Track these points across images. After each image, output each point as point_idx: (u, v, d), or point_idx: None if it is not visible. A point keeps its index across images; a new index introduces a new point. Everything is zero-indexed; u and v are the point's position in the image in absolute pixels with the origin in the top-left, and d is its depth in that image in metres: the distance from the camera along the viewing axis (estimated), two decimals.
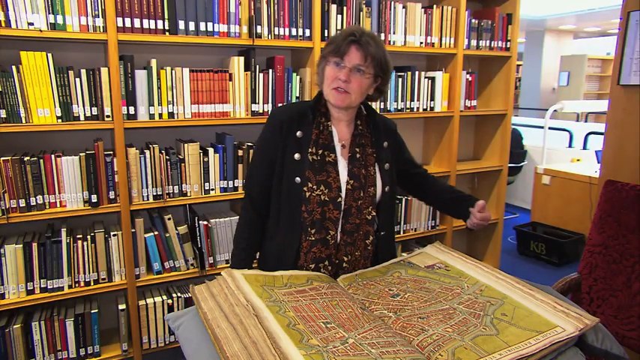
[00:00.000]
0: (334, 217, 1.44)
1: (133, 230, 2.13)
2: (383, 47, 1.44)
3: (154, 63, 2.08)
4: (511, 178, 5.05)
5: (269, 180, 1.49)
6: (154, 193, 2.15)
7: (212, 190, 2.27)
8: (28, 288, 1.99)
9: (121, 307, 2.18)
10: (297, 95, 2.39)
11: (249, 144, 2.34)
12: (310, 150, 1.44)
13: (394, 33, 2.64)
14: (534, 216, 4.38)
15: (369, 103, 1.57)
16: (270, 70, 2.31)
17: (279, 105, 1.58)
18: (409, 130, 3.14)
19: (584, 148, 5.20)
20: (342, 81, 1.40)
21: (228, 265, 2.33)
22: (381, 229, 1.53)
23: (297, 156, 1.44)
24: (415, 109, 2.81)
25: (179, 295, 2.29)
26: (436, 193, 1.74)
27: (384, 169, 1.53)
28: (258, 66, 2.28)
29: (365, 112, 1.56)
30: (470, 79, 2.98)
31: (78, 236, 2.04)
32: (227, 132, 2.40)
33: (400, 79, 2.72)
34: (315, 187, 1.42)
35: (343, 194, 1.44)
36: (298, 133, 1.46)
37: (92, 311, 2.11)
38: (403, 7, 2.64)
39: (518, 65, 10.01)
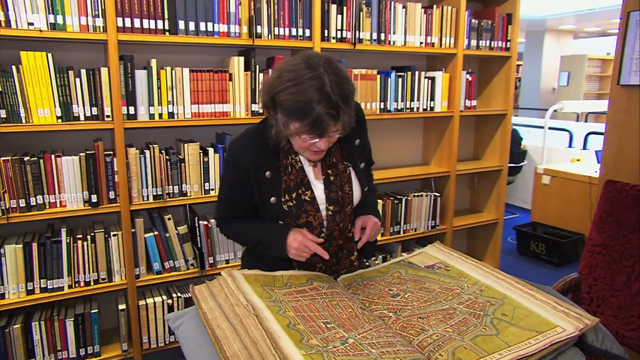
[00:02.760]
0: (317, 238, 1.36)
1: (133, 230, 2.13)
2: (349, 82, 1.21)
3: (153, 63, 2.08)
4: (511, 178, 5.05)
5: (244, 209, 1.41)
6: (154, 193, 2.16)
7: (212, 190, 2.27)
8: (28, 288, 1.99)
9: (121, 307, 2.18)
10: None
11: None
12: (283, 198, 1.34)
13: (394, 33, 2.64)
14: (534, 216, 4.38)
15: None
16: (270, 70, 2.31)
17: (236, 139, 1.39)
18: (409, 130, 3.15)
19: (584, 148, 5.20)
20: (322, 150, 1.27)
21: (228, 265, 2.35)
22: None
23: (273, 199, 1.34)
24: (415, 109, 2.81)
25: (179, 295, 2.29)
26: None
27: (359, 170, 1.45)
28: (258, 66, 2.28)
29: None
30: (470, 79, 2.98)
31: (78, 236, 2.04)
32: (227, 132, 2.40)
33: (400, 79, 2.72)
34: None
35: (325, 224, 1.38)
36: (267, 174, 1.34)
37: (92, 311, 2.11)
38: (403, 7, 2.64)
39: (518, 65, 10.02)
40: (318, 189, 1.38)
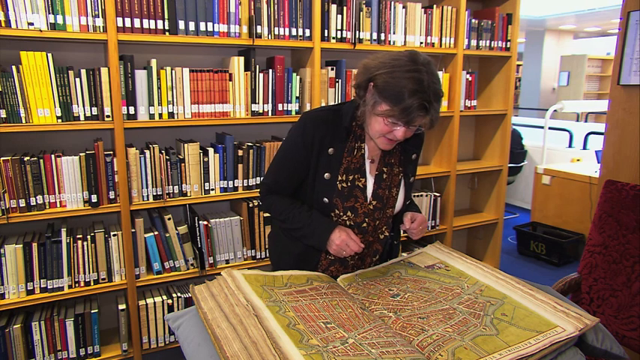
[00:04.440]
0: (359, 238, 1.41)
1: (133, 230, 2.13)
2: (442, 94, 1.30)
3: (153, 63, 2.08)
4: (511, 178, 5.05)
5: (292, 183, 1.45)
6: (154, 193, 2.15)
7: (212, 190, 2.27)
8: (28, 288, 1.99)
9: (121, 307, 2.17)
10: (297, 95, 2.39)
11: (249, 144, 2.34)
12: (340, 177, 1.39)
13: (394, 33, 2.64)
14: (534, 216, 4.38)
15: None
16: (270, 70, 2.31)
17: (313, 110, 1.44)
18: None
19: (584, 148, 5.19)
20: (398, 138, 1.30)
21: (228, 265, 2.34)
22: (394, 237, 1.55)
23: (327, 175, 1.39)
24: None
25: (179, 295, 2.29)
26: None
27: (409, 183, 1.51)
28: (258, 66, 2.28)
29: None
30: (470, 79, 2.98)
31: (78, 236, 2.04)
32: (227, 132, 2.40)
33: None
34: (341, 213, 1.40)
35: (368, 218, 1.43)
36: (330, 150, 1.38)
37: (92, 311, 2.11)
38: (403, 7, 2.64)
39: (518, 65, 10.02)
40: (369, 182, 1.42)
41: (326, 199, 1.39)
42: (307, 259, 1.45)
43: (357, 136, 1.40)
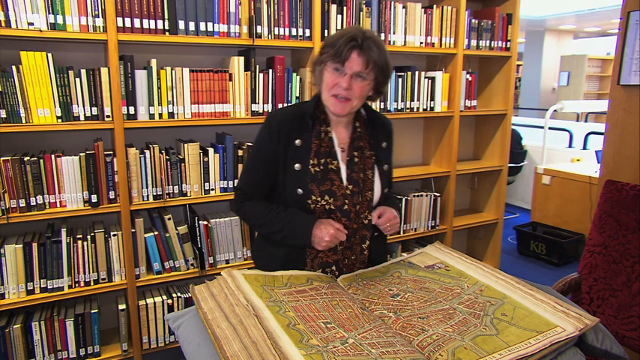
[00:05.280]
0: (342, 224, 1.42)
1: (133, 230, 2.13)
2: (384, 49, 1.41)
3: (153, 63, 2.08)
4: (511, 178, 5.05)
5: (265, 182, 1.47)
6: (154, 193, 2.15)
7: (212, 190, 2.27)
8: (28, 288, 1.99)
9: (121, 307, 2.17)
10: (297, 95, 2.38)
11: (249, 144, 2.34)
12: (312, 162, 1.41)
13: (394, 33, 2.64)
14: (534, 216, 4.38)
15: (368, 103, 1.56)
16: (270, 70, 2.31)
17: (278, 108, 1.50)
18: (409, 130, 3.15)
19: (584, 148, 5.20)
20: (343, 88, 1.36)
21: (228, 265, 2.34)
22: (376, 229, 1.52)
23: (297, 166, 1.41)
24: (415, 109, 2.81)
25: (179, 295, 2.29)
26: None
27: (382, 171, 1.52)
28: (258, 66, 2.28)
29: (363, 112, 1.55)
30: (470, 79, 2.98)
31: (78, 236, 2.04)
32: (227, 132, 2.40)
33: (400, 79, 2.72)
34: (319, 198, 1.40)
35: (348, 202, 1.43)
36: (297, 142, 1.42)
37: (92, 311, 2.11)
38: (403, 7, 2.64)
39: (518, 65, 10.02)
40: (342, 167, 1.45)
41: (300, 190, 1.40)
42: (293, 260, 1.44)
43: (321, 121, 1.45)
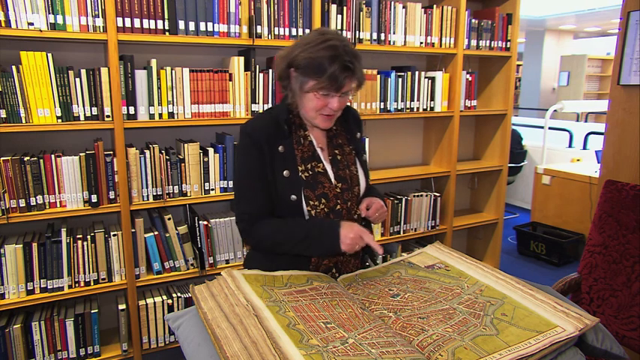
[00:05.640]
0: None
1: (133, 230, 2.13)
2: (361, 59, 1.36)
3: (153, 63, 2.08)
4: (511, 178, 5.05)
5: (268, 195, 1.40)
6: (154, 193, 2.15)
7: (212, 190, 2.27)
8: (28, 288, 1.99)
9: (121, 307, 2.17)
10: None
11: None
12: (300, 168, 1.39)
13: (394, 33, 2.64)
14: (534, 216, 4.38)
15: None
16: (270, 70, 2.31)
17: (249, 120, 1.45)
18: (409, 130, 3.15)
19: (584, 148, 5.20)
20: (334, 110, 1.34)
21: (228, 265, 2.34)
22: (361, 220, 1.51)
23: (285, 173, 1.38)
24: (415, 109, 2.81)
25: (179, 295, 2.29)
26: None
27: (363, 161, 1.53)
28: (258, 66, 2.28)
29: None
30: (470, 79, 2.98)
31: (78, 236, 2.04)
32: (227, 132, 2.40)
33: (400, 79, 2.72)
34: (316, 202, 1.39)
35: (340, 201, 1.43)
36: (280, 148, 1.39)
37: (92, 311, 2.11)
38: (403, 7, 2.64)
39: (518, 65, 10.02)
40: (327, 167, 1.44)
41: (293, 196, 1.38)
42: (300, 258, 1.40)
43: (297, 125, 1.43)
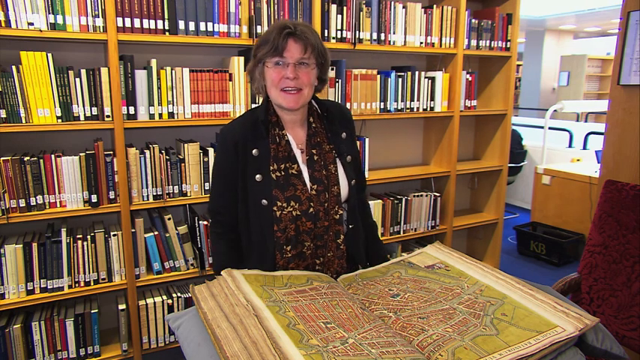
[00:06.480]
0: (308, 229, 1.40)
1: (133, 230, 2.13)
2: (318, 34, 1.39)
3: (153, 63, 2.08)
4: (511, 178, 5.05)
5: (233, 200, 1.44)
6: (154, 193, 2.15)
7: None
8: (28, 288, 1.99)
9: (121, 307, 2.17)
10: None
11: None
12: (272, 167, 1.38)
13: (394, 33, 2.64)
14: (534, 216, 4.38)
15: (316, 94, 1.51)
16: None
17: (228, 123, 1.49)
18: (409, 130, 3.15)
19: (584, 148, 5.20)
20: (291, 79, 1.33)
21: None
22: (350, 222, 1.51)
23: (258, 177, 1.38)
24: (415, 109, 2.81)
25: (179, 295, 2.29)
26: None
27: (346, 162, 1.48)
28: None
29: (315, 106, 1.51)
30: (470, 79, 2.98)
31: (78, 236, 2.04)
32: None
33: (400, 79, 2.72)
34: (285, 204, 1.37)
35: (314, 204, 1.40)
36: (254, 152, 1.39)
37: (92, 311, 2.11)
38: (403, 7, 2.64)
39: (518, 65, 10.02)
40: (303, 168, 1.42)
41: (264, 201, 1.37)
42: (263, 261, 1.42)
43: (274, 123, 1.43)
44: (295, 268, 1.41)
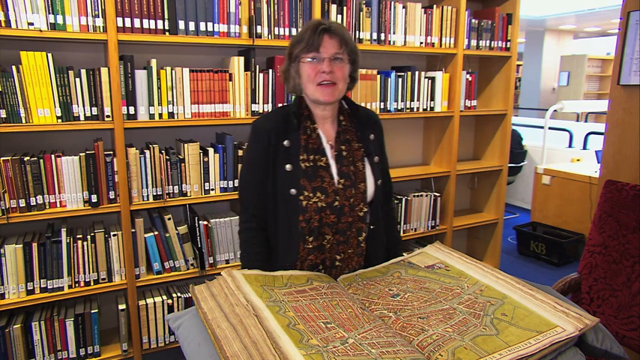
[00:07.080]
0: (330, 222, 1.42)
1: (133, 230, 2.13)
2: (349, 32, 1.44)
3: (153, 63, 2.08)
4: (511, 178, 5.05)
5: (262, 192, 1.46)
6: (154, 193, 2.15)
7: (212, 190, 2.27)
8: (28, 288, 1.99)
9: (121, 307, 2.17)
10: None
11: None
12: (301, 157, 1.41)
13: (394, 33, 2.64)
14: (534, 216, 4.38)
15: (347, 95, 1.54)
16: (270, 70, 2.31)
17: (261, 116, 1.53)
18: (409, 130, 3.15)
19: (584, 148, 5.20)
20: (327, 73, 1.37)
21: (228, 265, 2.34)
22: (372, 222, 1.53)
23: (288, 167, 1.41)
24: (415, 109, 2.81)
25: (179, 295, 2.29)
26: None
27: (373, 162, 1.51)
28: (258, 66, 2.28)
29: (346, 106, 1.54)
30: (470, 79, 2.98)
31: (78, 236, 2.04)
32: (227, 132, 2.40)
33: (400, 79, 2.72)
34: (311, 194, 1.40)
35: (339, 197, 1.42)
36: (286, 143, 1.42)
37: (92, 311, 2.11)
38: (403, 7, 2.64)
39: (518, 65, 10.02)
40: (331, 162, 1.45)
41: (293, 190, 1.40)
42: (288, 251, 1.44)
43: (306, 117, 1.46)
44: (314, 261, 1.43)
